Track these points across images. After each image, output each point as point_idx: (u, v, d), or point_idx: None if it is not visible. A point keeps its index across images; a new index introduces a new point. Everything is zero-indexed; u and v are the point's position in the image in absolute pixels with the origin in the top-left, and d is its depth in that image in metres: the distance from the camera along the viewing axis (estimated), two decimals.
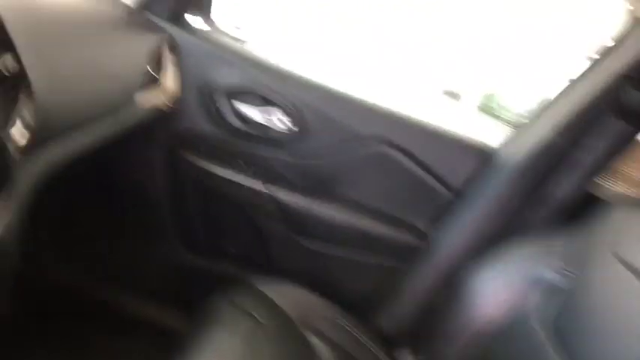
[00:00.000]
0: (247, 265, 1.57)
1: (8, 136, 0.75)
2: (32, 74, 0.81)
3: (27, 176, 0.84)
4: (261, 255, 1.55)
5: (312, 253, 1.51)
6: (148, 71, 1.25)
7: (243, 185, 1.45)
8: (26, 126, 0.78)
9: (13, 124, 0.75)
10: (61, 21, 0.96)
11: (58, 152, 0.92)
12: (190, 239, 1.56)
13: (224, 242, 1.57)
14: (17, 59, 0.77)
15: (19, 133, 0.77)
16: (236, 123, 1.43)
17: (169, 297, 1.58)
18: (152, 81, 1.28)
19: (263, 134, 1.44)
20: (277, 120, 1.43)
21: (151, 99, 1.27)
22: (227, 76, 1.39)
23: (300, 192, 1.47)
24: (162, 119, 1.35)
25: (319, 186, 1.48)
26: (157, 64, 1.31)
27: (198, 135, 1.44)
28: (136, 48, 1.21)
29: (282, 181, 1.48)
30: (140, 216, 1.51)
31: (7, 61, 0.74)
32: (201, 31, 1.43)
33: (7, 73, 0.77)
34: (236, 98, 1.42)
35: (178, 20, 1.37)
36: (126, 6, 1.23)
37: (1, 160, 0.69)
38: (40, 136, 0.83)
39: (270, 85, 1.39)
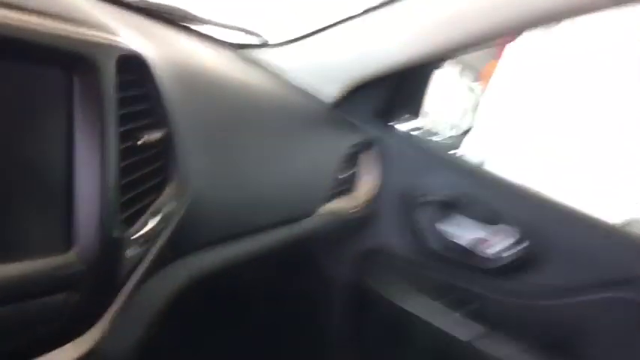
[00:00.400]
0: None
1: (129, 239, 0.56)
2: (192, 163, 0.64)
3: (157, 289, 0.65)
4: None
5: None
6: (340, 177, 1.05)
7: (447, 334, 1.09)
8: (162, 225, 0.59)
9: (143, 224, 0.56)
10: (242, 108, 0.80)
11: (203, 263, 0.72)
12: None
13: None
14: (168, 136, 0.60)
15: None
16: (442, 245, 1.11)
17: None
18: (343, 188, 1.07)
19: (478, 263, 1.09)
20: (499, 244, 1.08)
21: (338, 207, 1.05)
22: (436, 186, 1.11)
23: (526, 348, 1.05)
24: (349, 233, 1.11)
25: (555, 341, 1.04)
26: (352, 168, 1.10)
27: (391, 256, 1.16)
28: (329, 150, 1.02)
29: (500, 330, 1.07)
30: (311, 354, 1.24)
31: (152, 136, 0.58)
32: (407, 133, 1.21)
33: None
34: (444, 214, 1.12)
35: (380, 121, 1.16)
36: (320, 101, 1.06)
37: (111, 263, 0.50)
38: (181, 242, 0.64)
39: (494, 199, 1.07)
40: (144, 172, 0.57)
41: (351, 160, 1.10)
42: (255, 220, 0.81)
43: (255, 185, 0.81)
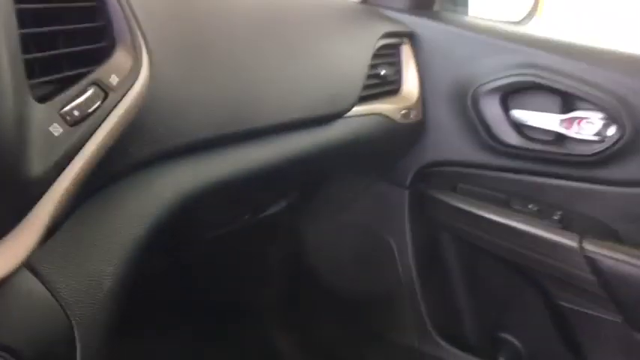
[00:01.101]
0: None
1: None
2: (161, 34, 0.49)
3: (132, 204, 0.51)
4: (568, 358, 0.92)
5: None
6: (376, 74, 0.86)
7: (537, 239, 0.87)
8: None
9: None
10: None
11: (200, 171, 0.57)
12: (452, 328, 1.03)
13: (501, 336, 0.99)
14: None
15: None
16: (515, 140, 0.89)
17: None
18: (387, 88, 0.88)
19: (564, 152, 0.86)
20: (587, 127, 0.84)
21: (384, 108, 0.86)
22: (498, 70, 0.89)
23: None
24: (396, 142, 0.92)
25: None
26: (393, 66, 0.91)
27: (455, 165, 0.95)
28: (361, 45, 0.83)
29: (606, 233, 0.84)
30: (374, 289, 1.07)
31: None
32: (452, 17, 0.99)
33: None
34: (513, 102, 0.90)
35: (421, 11, 0.95)
36: None
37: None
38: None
39: (570, 72, 0.83)
40: (68, 29, 0.42)
41: (391, 56, 0.91)
42: (266, 119, 0.64)
43: (266, 80, 0.65)
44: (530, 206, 0.91)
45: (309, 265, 1.09)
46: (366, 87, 0.82)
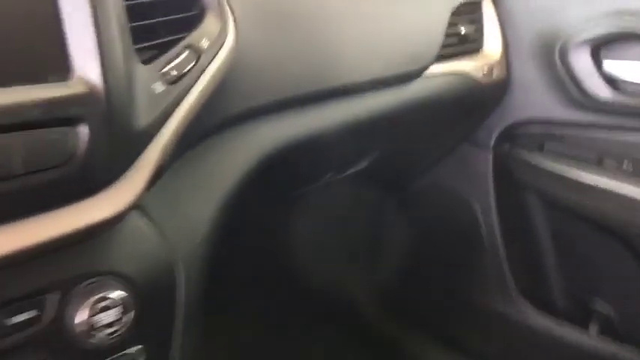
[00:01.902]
0: (637, 342, 0.91)
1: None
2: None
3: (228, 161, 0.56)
4: None
5: None
6: (456, 33, 0.85)
7: (632, 200, 0.83)
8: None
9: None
10: None
11: (281, 129, 0.61)
12: (538, 292, 1.01)
13: (593, 303, 0.96)
14: None
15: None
16: (608, 94, 0.85)
17: None
18: (462, 46, 0.87)
19: None
20: None
21: (465, 67, 0.86)
22: (588, 20, 0.85)
23: None
24: (478, 102, 0.91)
25: None
26: (472, 22, 0.89)
27: (542, 123, 0.92)
28: (439, 3, 0.83)
29: None
30: (457, 253, 1.07)
31: None
32: None
33: None
34: (605, 54, 0.85)
35: None
36: None
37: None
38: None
39: None
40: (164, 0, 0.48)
41: (472, 13, 0.89)
42: (345, 78, 0.67)
43: (344, 40, 0.67)
44: (625, 165, 0.86)
45: (390, 226, 1.12)
46: (445, 46, 0.81)
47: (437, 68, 0.80)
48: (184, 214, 0.53)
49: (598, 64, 0.85)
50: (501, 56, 0.92)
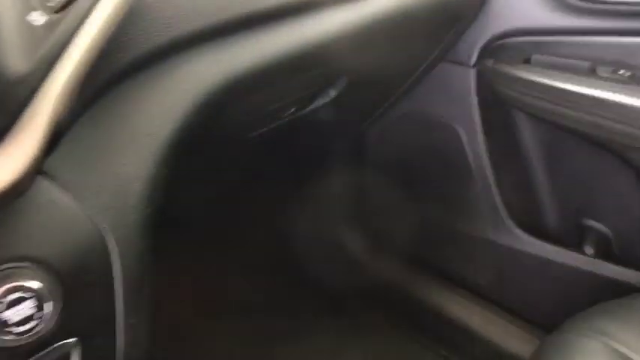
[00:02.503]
0: (633, 261, 0.86)
1: None
2: None
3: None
4: None
5: None
6: None
7: (634, 108, 0.75)
8: None
9: None
10: None
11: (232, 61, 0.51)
12: (530, 216, 0.95)
13: (587, 223, 0.90)
14: None
15: None
16: None
17: (505, 300, 1.01)
18: None
19: None
20: None
21: None
22: None
23: None
24: (455, 15, 0.80)
25: None
26: None
27: (528, 33, 0.82)
28: None
29: None
30: (444, 181, 0.99)
31: None
32: None
33: None
34: None
35: None
36: None
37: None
38: None
39: None
40: None
41: None
42: None
43: None
44: (621, 72, 0.77)
45: (368, 159, 1.03)
46: None
47: None
48: (107, 176, 0.44)
49: None
50: None
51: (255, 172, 0.92)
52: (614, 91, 0.75)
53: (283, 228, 1.12)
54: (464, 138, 0.92)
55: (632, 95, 0.74)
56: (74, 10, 0.37)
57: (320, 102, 0.74)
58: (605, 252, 0.90)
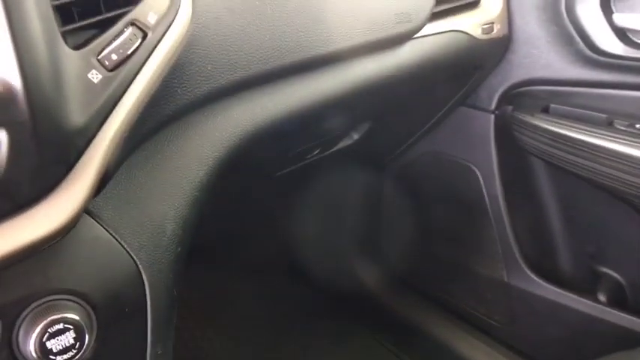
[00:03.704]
0: None
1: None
2: None
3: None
4: None
5: None
6: None
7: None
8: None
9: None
10: None
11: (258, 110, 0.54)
12: (544, 260, 0.96)
13: (601, 270, 0.91)
14: None
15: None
16: (620, 49, 0.77)
17: (516, 342, 1.02)
18: (458, 1, 0.78)
19: None
20: None
21: (462, 24, 0.77)
22: None
23: None
24: (477, 62, 0.83)
25: None
26: None
27: (547, 83, 0.85)
28: None
29: None
30: (460, 222, 1.01)
31: None
32: None
33: None
34: (616, 4, 0.76)
35: None
36: None
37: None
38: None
39: None
40: None
41: None
42: (324, 47, 0.59)
43: (320, 3, 0.59)
44: (638, 126, 0.79)
45: (388, 199, 1.06)
46: (439, 2, 0.73)
47: (430, 28, 0.71)
48: (145, 216, 0.47)
49: (608, 15, 0.76)
50: (502, 10, 0.83)
51: (278, 207, 0.95)
52: (629, 145, 0.77)
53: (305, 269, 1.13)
54: (481, 180, 0.94)
55: None
56: (126, 68, 0.41)
57: (343, 144, 0.77)
58: (618, 300, 0.90)
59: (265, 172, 0.74)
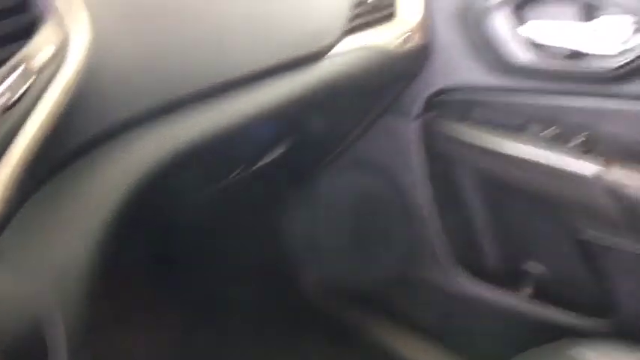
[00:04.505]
0: (570, 304, 0.91)
1: None
2: None
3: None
4: (593, 289, 0.88)
5: None
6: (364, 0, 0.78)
7: (557, 169, 0.81)
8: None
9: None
10: None
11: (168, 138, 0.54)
12: (474, 261, 1.00)
13: (527, 267, 0.96)
14: None
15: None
16: (528, 58, 0.81)
17: (450, 340, 1.05)
18: (373, 14, 0.80)
19: (585, 68, 0.78)
20: (613, 36, 0.74)
21: (376, 40, 0.79)
22: None
23: None
24: (396, 73, 0.85)
25: None
26: None
27: (466, 90, 0.88)
28: None
29: (630, 159, 0.77)
30: (391, 227, 1.04)
31: None
32: None
33: None
34: (525, 14, 0.80)
35: None
36: None
37: None
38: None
39: None
40: None
41: None
42: (233, 71, 0.59)
43: (227, 27, 0.59)
44: (550, 130, 0.83)
45: (319, 208, 1.07)
46: (353, 17, 0.74)
47: (345, 44, 0.73)
48: (46, 261, 0.46)
49: (517, 25, 0.80)
50: (421, 21, 0.86)
51: (211, 223, 0.95)
52: (539, 151, 0.81)
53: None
54: (408, 186, 0.97)
55: (557, 155, 0.80)
56: (17, 111, 0.41)
57: (268, 159, 0.78)
58: (543, 294, 0.95)
59: (184, 194, 0.74)
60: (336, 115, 0.82)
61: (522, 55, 0.80)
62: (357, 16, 0.75)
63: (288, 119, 0.67)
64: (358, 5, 0.76)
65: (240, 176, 0.77)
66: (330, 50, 0.69)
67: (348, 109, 0.85)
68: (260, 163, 0.78)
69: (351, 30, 0.74)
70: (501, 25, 0.81)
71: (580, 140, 0.80)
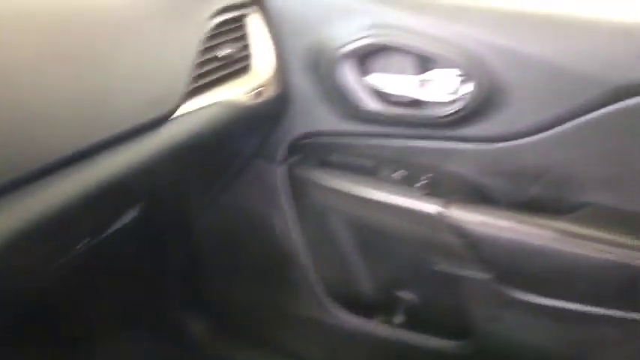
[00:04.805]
0: (436, 330, 0.97)
1: None
2: None
3: None
4: (454, 314, 0.94)
5: (543, 317, 0.84)
6: (215, 57, 0.78)
7: (406, 209, 0.86)
8: None
9: None
10: None
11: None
12: (348, 295, 1.04)
13: (395, 296, 1.01)
14: None
15: None
16: (373, 106, 0.86)
17: None
18: (225, 70, 0.81)
19: (423, 115, 0.84)
20: (443, 86, 0.81)
21: (220, 100, 0.79)
22: (351, 33, 0.84)
23: (504, 211, 0.82)
24: (254, 125, 0.87)
25: (544, 193, 0.81)
26: (236, 41, 0.83)
27: (323, 135, 0.92)
28: (185, 31, 0.75)
29: (471, 194, 0.85)
30: (267, 268, 1.06)
31: None
32: None
33: None
34: (369, 66, 0.85)
35: None
36: None
37: None
38: None
39: (422, 29, 0.79)
40: None
41: (235, 31, 0.83)
42: (62, 150, 0.57)
43: (52, 105, 0.57)
44: (397, 173, 0.89)
45: (201, 247, 1.07)
46: (202, 75, 0.75)
47: (192, 104, 0.73)
48: None
49: (362, 76, 0.85)
50: (275, 72, 0.88)
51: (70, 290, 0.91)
52: (391, 191, 0.86)
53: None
54: (279, 227, 0.99)
55: (403, 195, 0.86)
56: None
57: (118, 225, 0.76)
58: (412, 321, 1.00)
59: (31, 273, 0.70)
60: (192, 171, 0.81)
61: (370, 103, 0.85)
62: (207, 73, 0.76)
63: (134, 187, 0.66)
64: (206, 63, 0.76)
65: (90, 244, 0.74)
66: (172, 114, 0.69)
67: (204, 165, 0.86)
68: (110, 230, 0.76)
69: (200, 88, 0.74)
70: (349, 75, 0.85)
71: (425, 182, 0.86)
